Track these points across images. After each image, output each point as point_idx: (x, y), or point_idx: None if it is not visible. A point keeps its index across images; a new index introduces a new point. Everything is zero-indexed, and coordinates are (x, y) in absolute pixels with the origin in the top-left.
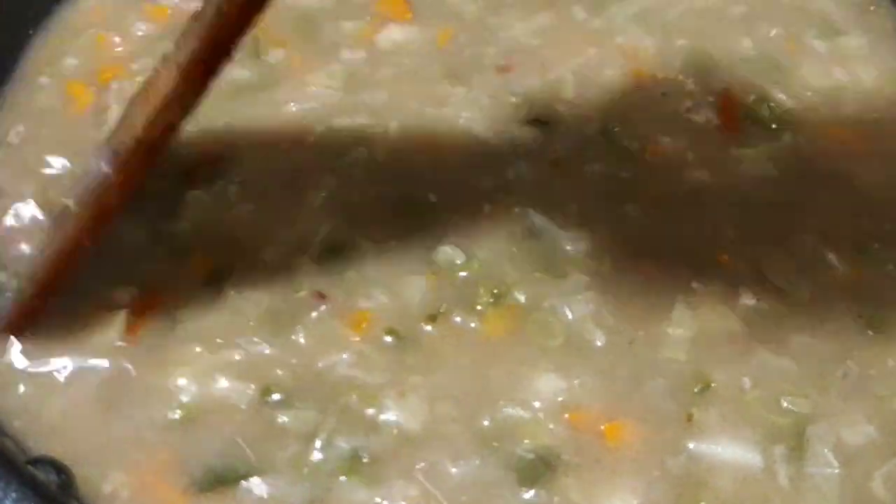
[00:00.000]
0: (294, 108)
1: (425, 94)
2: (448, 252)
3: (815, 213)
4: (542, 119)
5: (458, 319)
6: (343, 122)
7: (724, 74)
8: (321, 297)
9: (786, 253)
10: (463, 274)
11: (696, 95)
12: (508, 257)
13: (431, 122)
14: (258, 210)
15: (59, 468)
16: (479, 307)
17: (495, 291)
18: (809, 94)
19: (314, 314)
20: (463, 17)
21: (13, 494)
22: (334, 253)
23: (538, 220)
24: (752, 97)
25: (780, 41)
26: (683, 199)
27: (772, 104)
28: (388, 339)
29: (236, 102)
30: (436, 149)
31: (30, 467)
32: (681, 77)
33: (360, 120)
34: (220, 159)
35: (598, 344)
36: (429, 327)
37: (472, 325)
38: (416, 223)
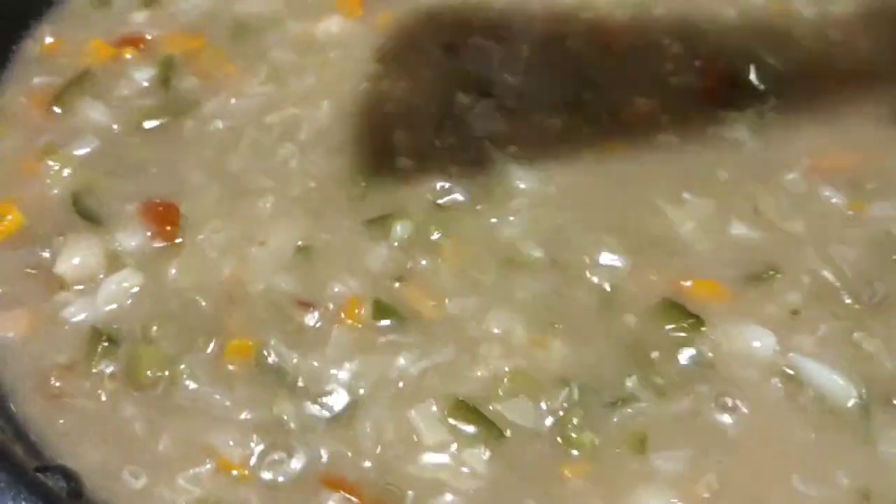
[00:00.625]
0: (220, 125)
1: (354, 73)
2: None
3: (804, 151)
4: (489, 90)
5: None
6: (272, 118)
7: (711, 39)
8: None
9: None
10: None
11: (681, 60)
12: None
13: (366, 97)
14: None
15: (68, 475)
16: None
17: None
18: (799, 57)
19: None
20: (415, 3)
21: (23, 502)
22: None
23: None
24: (740, 62)
25: (768, 7)
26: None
27: (760, 69)
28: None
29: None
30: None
31: (39, 475)
32: (665, 42)
33: (289, 111)
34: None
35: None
36: (398, 284)
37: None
38: (363, 206)
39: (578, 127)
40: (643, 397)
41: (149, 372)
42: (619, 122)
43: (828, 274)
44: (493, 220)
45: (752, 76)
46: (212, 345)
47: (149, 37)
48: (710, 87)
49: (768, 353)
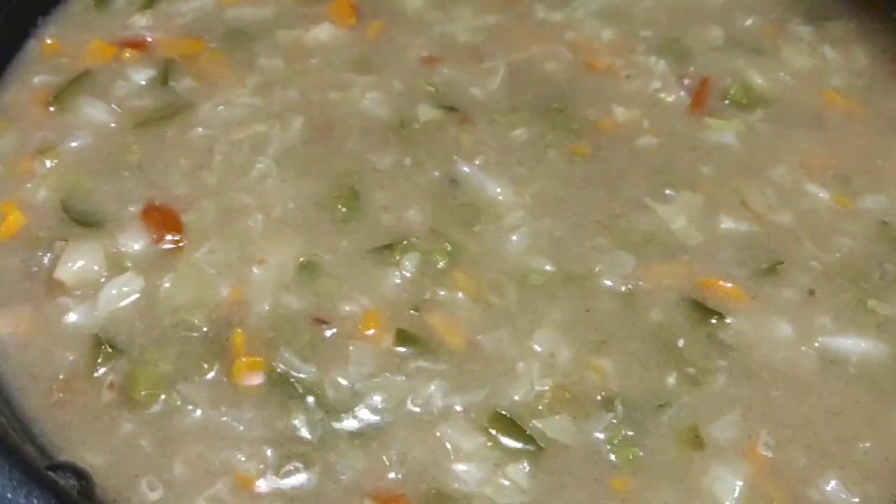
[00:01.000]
0: (201, 132)
1: (331, 82)
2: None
3: (791, 154)
4: (454, 105)
5: (442, 293)
6: (248, 132)
7: (699, 59)
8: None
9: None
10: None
11: (668, 78)
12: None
13: (334, 108)
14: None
15: (79, 473)
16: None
17: (449, 249)
18: (788, 77)
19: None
20: (405, 14)
21: (35, 501)
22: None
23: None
24: (728, 79)
25: (759, 27)
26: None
27: (748, 86)
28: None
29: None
30: (336, 136)
31: (50, 473)
32: (652, 60)
33: (259, 127)
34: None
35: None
36: (415, 312)
37: (459, 295)
38: (353, 228)
39: (544, 134)
40: (683, 392)
41: (144, 393)
42: (592, 130)
43: (833, 260)
44: (496, 239)
45: (741, 92)
46: (216, 366)
47: (149, 38)
48: (698, 102)
49: (794, 338)
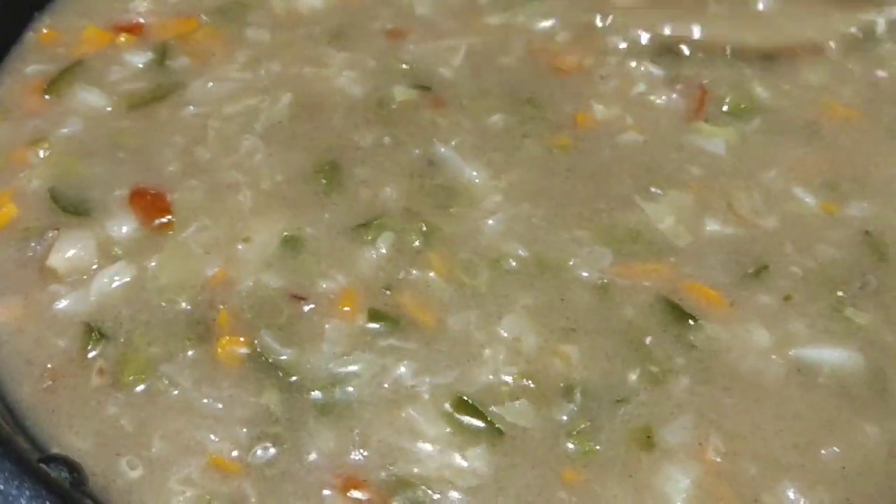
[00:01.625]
0: (193, 110)
1: (311, 57)
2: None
3: (782, 157)
4: (427, 84)
5: (415, 273)
6: (238, 106)
7: (691, 65)
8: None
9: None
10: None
11: (656, 81)
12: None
13: (315, 84)
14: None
15: (71, 466)
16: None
17: (424, 229)
18: (795, 88)
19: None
20: None
21: (27, 492)
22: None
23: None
24: (726, 88)
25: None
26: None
27: (748, 96)
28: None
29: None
30: (323, 113)
31: (42, 465)
32: (632, 64)
33: (249, 101)
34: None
35: None
36: (389, 292)
37: (431, 274)
38: (333, 203)
39: (523, 123)
40: (641, 390)
41: (132, 377)
42: (571, 124)
43: (814, 267)
44: (472, 222)
45: (739, 102)
46: (199, 344)
47: (141, 20)
48: (697, 108)
49: (765, 346)
